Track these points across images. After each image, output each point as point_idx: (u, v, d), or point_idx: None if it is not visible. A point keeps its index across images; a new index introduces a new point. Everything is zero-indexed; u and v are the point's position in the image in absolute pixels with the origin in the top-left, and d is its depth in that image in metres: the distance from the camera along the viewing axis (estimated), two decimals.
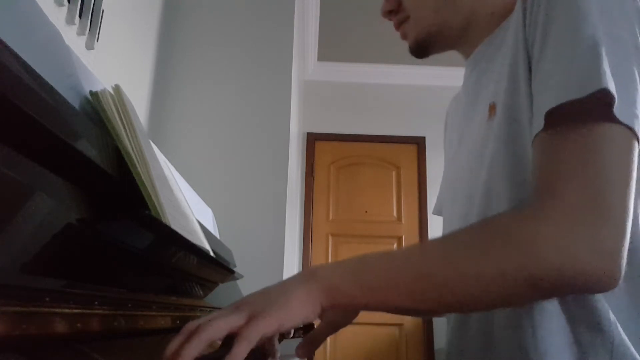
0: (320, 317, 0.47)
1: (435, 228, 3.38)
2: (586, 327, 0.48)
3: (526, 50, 0.52)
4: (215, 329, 0.41)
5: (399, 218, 3.50)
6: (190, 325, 0.42)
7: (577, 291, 0.46)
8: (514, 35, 0.55)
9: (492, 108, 0.58)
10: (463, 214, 0.63)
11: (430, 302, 0.46)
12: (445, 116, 0.84)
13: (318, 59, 3.68)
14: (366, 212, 3.50)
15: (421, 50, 0.69)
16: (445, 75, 3.52)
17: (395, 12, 0.70)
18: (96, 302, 0.38)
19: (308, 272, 0.48)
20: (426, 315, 0.54)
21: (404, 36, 0.70)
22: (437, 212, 0.79)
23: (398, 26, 0.71)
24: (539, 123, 0.45)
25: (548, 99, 0.45)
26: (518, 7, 0.55)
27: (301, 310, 0.45)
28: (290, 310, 0.44)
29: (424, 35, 0.67)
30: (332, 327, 0.56)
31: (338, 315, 0.57)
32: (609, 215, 0.41)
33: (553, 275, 0.41)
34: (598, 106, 0.42)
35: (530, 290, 0.42)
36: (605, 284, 0.41)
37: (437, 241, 0.49)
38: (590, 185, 0.42)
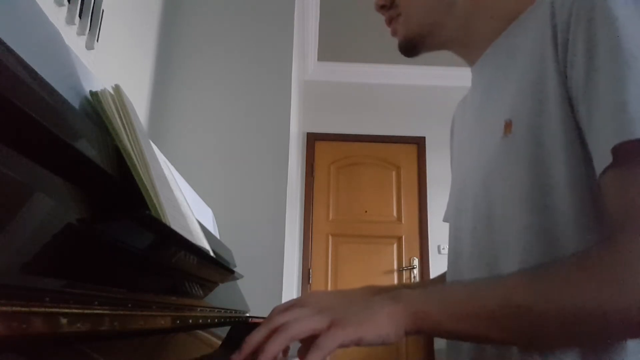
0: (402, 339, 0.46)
1: (436, 228, 3.38)
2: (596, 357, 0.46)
3: (558, 71, 0.50)
4: (299, 329, 0.43)
5: (399, 218, 3.50)
6: (275, 322, 0.43)
7: None
8: (538, 50, 0.53)
9: (509, 125, 0.55)
10: (473, 228, 0.62)
11: (522, 335, 0.45)
12: (452, 120, 0.82)
13: (318, 59, 3.68)
14: (366, 212, 3.50)
15: (410, 48, 0.68)
16: (445, 75, 3.52)
17: (387, 7, 0.69)
18: (96, 302, 0.38)
19: (393, 294, 0.48)
20: (514, 345, 0.53)
21: (394, 32, 0.69)
22: (447, 219, 0.78)
23: (389, 22, 0.69)
24: (605, 157, 0.44)
25: (612, 132, 0.43)
26: (544, 22, 0.52)
27: (384, 328, 0.44)
28: (373, 326, 0.44)
29: (413, 35, 0.66)
30: None
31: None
32: None
33: None
34: None
35: (627, 329, 0.42)
36: None
37: (527, 273, 0.47)
38: None
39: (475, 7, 0.63)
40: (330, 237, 3.46)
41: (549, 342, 0.46)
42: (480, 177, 0.61)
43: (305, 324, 0.43)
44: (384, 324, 0.44)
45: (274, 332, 0.43)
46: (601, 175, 0.45)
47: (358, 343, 0.43)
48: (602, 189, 0.46)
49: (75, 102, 0.50)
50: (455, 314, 0.45)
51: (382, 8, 0.70)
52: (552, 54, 0.51)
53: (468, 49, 0.68)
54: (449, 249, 0.71)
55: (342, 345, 0.42)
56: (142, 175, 0.52)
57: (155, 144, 0.75)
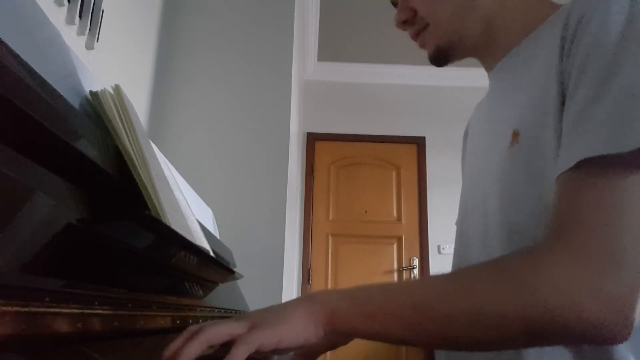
0: (323, 340, 0.47)
1: (436, 229, 3.39)
2: None
3: (560, 83, 0.49)
4: (215, 333, 0.43)
5: (399, 218, 3.50)
6: (193, 328, 0.44)
7: (579, 340, 0.44)
8: (546, 62, 0.52)
9: (516, 135, 0.55)
10: (484, 236, 0.61)
11: (427, 335, 0.45)
12: (468, 122, 0.81)
13: (318, 59, 3.68)
14: (366, 212, 3.50)
15: (442, 58, 0.67)
16: (445, 76, 3.52)
17: (410, 22, 0.67)
18: (96, 302, 0.38)
19: (310, 295, 0.49)
20: (426, 347, 0.53)
21: (423, 45, 0.68)
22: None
23: (416, 36, 0.68)
24: (567, 163, 0.44)
25: (584, 145, 0.43)
26: (556, 33, 0.52)
27: (302, 329, 0.45)
28: (290, 327, 0.45)
29: (446, 43, 0.65)
30: (330, 344, 0.53)
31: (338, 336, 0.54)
32: (621, 265, 0.39)
33: (550, 320, 0.39)
34: (633, 159, 0.41)
35: (527, 335, 0.41)
36: (610, 336, 0.39)
37: (441, 276, 0.48)
38: (604, 232, 0.40)
39: (495, 11, 0.63)
40: (330, 237, 3.46)
41: (456, 344, 0.46)
42: (490, 184, 0.60)
43: (222, 328, 0.44)
44: (300, 325, 0.45)
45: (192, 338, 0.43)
46: (557, 177, 0.45)
47: (278, 345, 0.44)
48: (555, 190, 0.46)
49: (75, 102, 0.50)
50: (365, 312, 0.46)
51: (404, 23, 0.68)
52: (558, 67, 0.50)
53: (490, 54, 0.67)
54: (454, 252, 0.70)
55: (263, 347, 0.43)
56: (142, 175, 0.52)
57: (155, 144, 0.75)
